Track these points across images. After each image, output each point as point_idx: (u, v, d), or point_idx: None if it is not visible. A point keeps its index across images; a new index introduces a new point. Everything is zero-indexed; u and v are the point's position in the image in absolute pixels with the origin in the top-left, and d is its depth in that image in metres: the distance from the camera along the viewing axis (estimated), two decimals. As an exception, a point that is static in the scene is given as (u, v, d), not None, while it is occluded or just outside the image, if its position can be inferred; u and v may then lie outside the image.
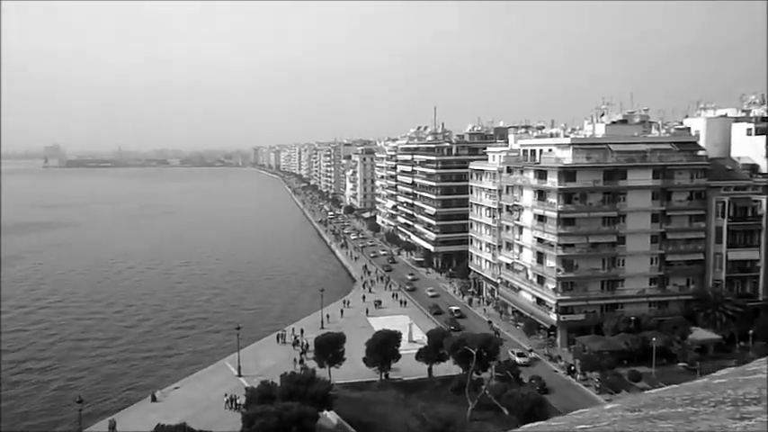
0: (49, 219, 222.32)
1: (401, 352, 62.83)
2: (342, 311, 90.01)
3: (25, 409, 60.44)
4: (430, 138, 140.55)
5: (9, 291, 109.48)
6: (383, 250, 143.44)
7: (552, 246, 74.67)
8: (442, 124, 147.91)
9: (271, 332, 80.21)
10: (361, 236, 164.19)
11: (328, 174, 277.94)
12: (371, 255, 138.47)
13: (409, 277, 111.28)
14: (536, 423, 3.55)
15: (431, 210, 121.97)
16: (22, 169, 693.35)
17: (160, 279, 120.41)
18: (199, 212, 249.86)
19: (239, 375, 63.66)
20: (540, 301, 77.96)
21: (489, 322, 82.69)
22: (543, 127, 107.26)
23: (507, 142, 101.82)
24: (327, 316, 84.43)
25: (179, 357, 75.43)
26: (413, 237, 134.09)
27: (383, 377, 62.21)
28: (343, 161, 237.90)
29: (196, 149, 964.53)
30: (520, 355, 68.13)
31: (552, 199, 74.94)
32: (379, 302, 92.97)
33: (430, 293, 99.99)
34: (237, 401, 53.69)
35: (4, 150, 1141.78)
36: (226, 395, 56.47)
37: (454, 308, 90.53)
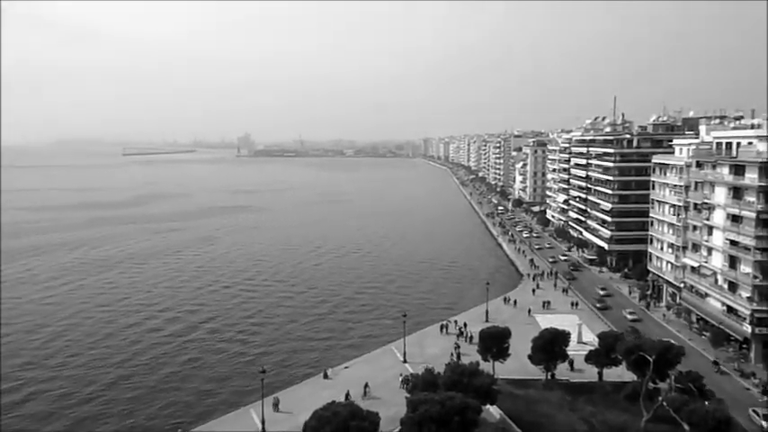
0: (241, 203, 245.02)
1: (569, 352, 60.39)
2: (507, 305, 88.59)
3: (216, 374, 67.21)
4: (608, 129, 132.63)
5: (207, 267, 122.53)
6: (551, 245, 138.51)
7: (748, 249, 66.93)
8: (622, 115, 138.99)
9: (435, 322, 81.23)
10: (529, 230, 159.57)
11: (497, 166, 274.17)
12: (536, 247, 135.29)
13: (601, 292, 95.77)
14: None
15: (606, 205, 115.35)
16: (219, 158, 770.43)
17: (338, 264, 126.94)
18: (371, 201, 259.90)
19: (404, 361, 65.35)
20: (730, 310, 70.43)
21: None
22: (741, 117, 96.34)
23: (697, 134, 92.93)
24: (487, 311, 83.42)
25: (349, 339, 79.19)
26: (585, 233, 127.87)
27: (549, 376, 60.24)
28: (514, 153, 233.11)
29: (369, 140, 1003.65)
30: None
31: (751, 197, 67.13)
32: (548, 303, 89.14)
33: (602, 293, 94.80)
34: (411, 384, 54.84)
35: (203, 140, 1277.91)
36: (401, 375, 58.20)
37: (628, 310, 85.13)
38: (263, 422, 50.38)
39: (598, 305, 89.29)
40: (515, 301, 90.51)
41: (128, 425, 54.72)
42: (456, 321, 78.56)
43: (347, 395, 54.74)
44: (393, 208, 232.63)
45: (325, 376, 61.80)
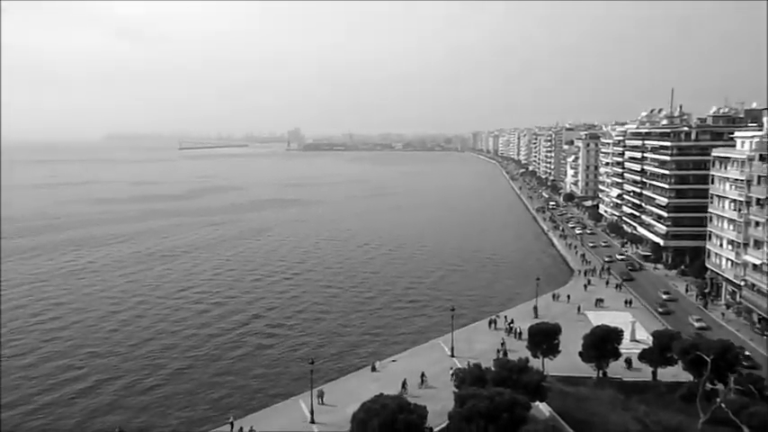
0: (291, 197, 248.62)
1: (622, 350, 59.10)
2: (557, 302, 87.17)
3: (268, 365, 68.50)
4: (665, 122, 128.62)
5: (259, 260, 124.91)
6: (604, 241, 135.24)
7: (815, 247, 63.86)
8: (680, 107, 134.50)
9: (483, 317, 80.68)
10: (582, 226, 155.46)
11: (548, 159, 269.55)
12: (590, 244, 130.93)
13: (664, 296, 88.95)
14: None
15: (662, 200, 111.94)
16: (269, 152, 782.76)
17: (387, 258, 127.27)
18: (420, 195, 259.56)
19: (452, 356, 65.16)
20: (795, 310, 67.42)
21: None
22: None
23: (762, 126, 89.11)
24: (536, 307, 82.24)
25: (398, 333, 79.44)
26: (639, 228, 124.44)
27: (600, 374, 59.04)
28: (565, 146, 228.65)
29: (418, 134, 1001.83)
30: None
31: (818, 192, 63.97)
32: (601, 300, 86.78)
33: (665, 296, 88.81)
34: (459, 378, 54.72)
35: (255, 135, 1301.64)
36: (452, 369, 58.25)
37: (695, 317, 79.21)
38: (311, 413, 51.13)
39: (660, 309, 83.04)
40: (568, 296, 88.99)
41: (185, 415, 56.16)
42: (506, 317, 77.80)
43: (404, 383, 55.73)
44: (441, 202, 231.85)
45: (373, 369, 62.20)
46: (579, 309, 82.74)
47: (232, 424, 49.36)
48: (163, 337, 76.73)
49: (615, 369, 59.80)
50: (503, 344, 66.93)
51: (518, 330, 71.39)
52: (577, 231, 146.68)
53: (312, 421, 50.54)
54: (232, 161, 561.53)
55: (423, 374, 58.39)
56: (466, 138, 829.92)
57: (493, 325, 75.93)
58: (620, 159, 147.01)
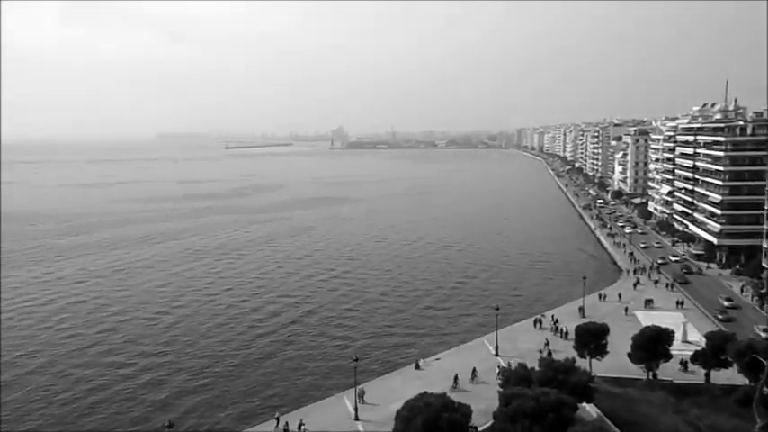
0: (335, 195, 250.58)
1: (673, 352, 57.47)
2: (605, 301, 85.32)
3: (313, 362, 69.15)
4: (718, 116, 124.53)
5: (304, 257, 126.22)
6: (657, 242, 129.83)
7: None
8: (735, 100, 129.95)
9: (528, 316, 79.64)
10: (632, 225, 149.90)
11: (595, 156, 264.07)
12: (642, 245, 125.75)
13: (725, 303, 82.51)
14: None
15: (715, 197, 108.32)
16: (313, 150, 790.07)
17: (431, 256, 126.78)
18: (463, 192, 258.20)
19: (496, 355, 64.54)
20: None
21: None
22: None
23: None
24: (583, 306, 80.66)
25: (441, 331, 79.11)
26: (691, 226, 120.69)
27: (650, 376, 57.53)
28: (613, 143, 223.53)
29: (461, 132, 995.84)
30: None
31: None
32: (650, 301, 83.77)
33: (726, 303, 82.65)
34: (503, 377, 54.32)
35: (299, 133, 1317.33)
36: (498, 367, 57.91)
37: (762, 327, 72.04)
38: (355, 409, 51.42)
39: (720, 316, 77.51)
40: (619, 295, 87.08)
41: (233, 411, 57.09)
42: (553, 315, 76.61)
43: (456, 378, 56.30)
44: (485, 200, 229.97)
45: (417, 367, 62.11)
46: (627, 309, 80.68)
47: (278, 419, 50.06)
48: (211, 333, 78.19)
49: (666, 371, 58.15)
50: (546, 344, 65.87)
51: (564, 330, 70.23)
52: (627, 231, 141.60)
53: (356, 418, 50.80)
54: (276, 160, 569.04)
55: (474, 370, 58.59)
56: (510, 135, 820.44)
57: (538, 324, 74.85)
58: (670, 155, 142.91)
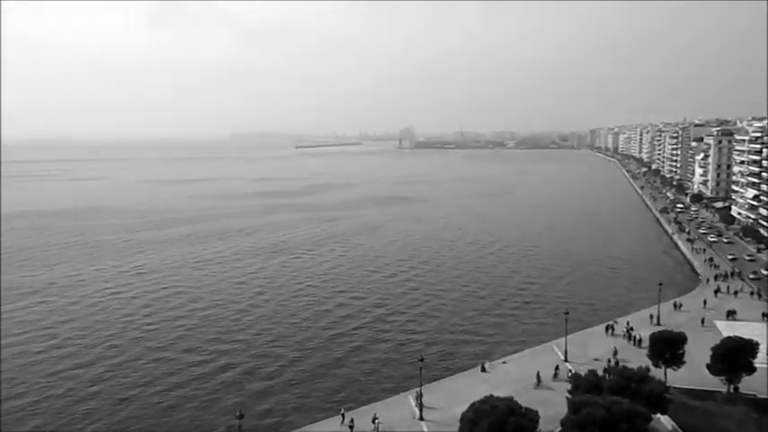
0: (403, 194, 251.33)
1: (756, 365, 54.29)
2: (681, 310, 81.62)
3: (379, 360, 69.61)
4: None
5: (372, 256, 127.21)
6: (748, 255, 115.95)
7: None
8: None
9: (600, 322, 77.26)
10: (716, 233, 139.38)
11: (673, 157, 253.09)
12: (730, 257, 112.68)
13: None
14: None
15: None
16: (381, 150, 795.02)
17: (500, 258, 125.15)
18: (533, 194, 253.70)
19: (565, 360, 62.99)
20: None
21: None
22: None
23: None
24: (658, 314, 77.44)
25: (509, 334, 77.89)
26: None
27: (731, 389, 54.64)
28: (693, 144, 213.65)
29: (532, 131, 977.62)
30: None
31: None
32: (733, 312, 78.61)
33: None
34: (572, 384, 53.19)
35: (368, 133, 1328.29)
36: (570, 372, 56.81)
37: None
38: (420, 409, 51.40)
39: None
40: (704, 302, 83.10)
41: (299, 404, 58.27)
42: (628, 322, 74.02)
43: (538, 375, 57.00)
44: (556, 202, 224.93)
45: (483, 370, 61.45)
46: (704, 319, 76.51)
47: (343, 415, 50.70)
48: (283, 330, 79.63)
49: (749, 384, 55.06)
50: (615, 353, 63.62)
51: (638, 338, 67.76)
52: (711, 238, 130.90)
53: (420, 418, 50.78)
54: (345, 159, 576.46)
55: (557, 367, 58.74)
56: (583, 135, 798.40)
57: (610, 330, 72.49)
58: (757, 158, 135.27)
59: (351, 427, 49.19)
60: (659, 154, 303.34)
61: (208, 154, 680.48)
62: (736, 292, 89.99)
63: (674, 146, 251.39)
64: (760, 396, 54.17)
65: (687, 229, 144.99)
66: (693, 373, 55.84)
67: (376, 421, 49.16)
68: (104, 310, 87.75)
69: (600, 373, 48.40)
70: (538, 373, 58.40)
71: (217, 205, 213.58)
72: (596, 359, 62.17)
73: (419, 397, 52.81)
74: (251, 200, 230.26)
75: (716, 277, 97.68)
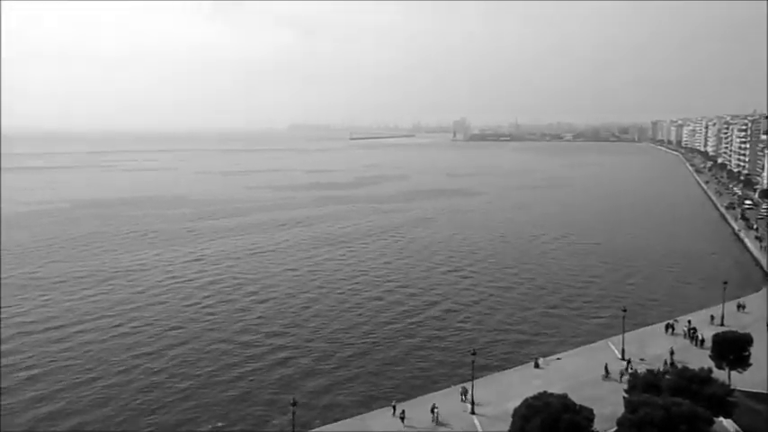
0: (456, 186, 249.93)
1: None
2: (745, 310, 78.31)
3: (432, 353, 69.63)
4: None
5: (427, 248, 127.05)
6: None
7: None
8: None
9: (659, 320, 74.98)
10: None
11: (741, 151, 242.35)
12: None
13: None
14: None
15: None
16: (434, 142, 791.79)
17: (559, 253, 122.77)
18: (591, 187, 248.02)
19: (622, 359, 61.45)
20: None
21: None
22: None
23: None
24: (723, 314, 74.50)
25: (564, 329, 76.54)
26: None
27: (800, 395, 52.22)
28: (763, 137, 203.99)
29: (590, 123, 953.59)
30: None
31: None
32: None
33: None
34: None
35: (422, 125, 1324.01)
36: (631, 369, 55.82)
37: None
38: (472, 403, 51.22)
39: None
40: (759, 306, 79.56)
41: (354, 396, 58.79)
42: (690, 321, 71.53)
43: (606, 367, 56.89)
44: (616, 196, 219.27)
45: (536, 365, 60.69)
46: (773, 319, 73.49)
47: (395, 407, 51.01)
48: (336, 319, 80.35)
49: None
50: (672, 353, 61.60)
51: (700, 338, 65.48)
52: None
53: (472, 412, 50.63)
54: (398, 151, 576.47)
55: (629, 360, 58.50)
56: (644, 127, 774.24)
57: (670, 330, 70.22)
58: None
59: (402, 418, 49.51)
60: (726, 147, 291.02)
61: (265, 146, 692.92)
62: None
63: (743, 139, 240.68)
64: (832, 402, 51.59)
65: (755, 226, 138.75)
66: (760, 376, 53.57)
67: (435, 411, 49.36)
68: (167, 298, 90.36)
69: (659, 370, 47.09)
70: (606, 365, 57.81)
71: (272, 196, 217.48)
72: (654, 358, 60.50)
73: (464, 393, 52.78)
74: (305, 191, 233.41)
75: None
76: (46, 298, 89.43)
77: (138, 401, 57.23)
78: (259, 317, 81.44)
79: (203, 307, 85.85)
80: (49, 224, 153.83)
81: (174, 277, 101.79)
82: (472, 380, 52.65)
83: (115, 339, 72.91)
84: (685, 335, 68.13)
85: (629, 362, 59.52)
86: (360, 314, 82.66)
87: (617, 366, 58.51)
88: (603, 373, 57.09)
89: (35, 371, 63.57)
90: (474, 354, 53.52)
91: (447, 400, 53.50)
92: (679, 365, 52.08)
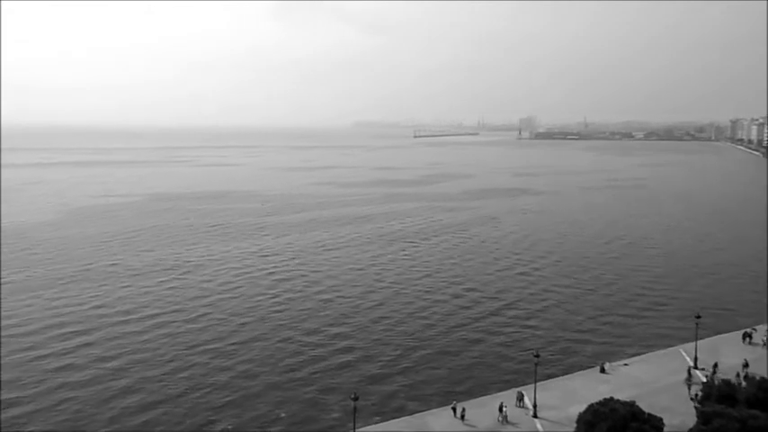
0: (522, 186, 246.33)
1: None
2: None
3: (491, 354, 68.92)
4: None
5: (492, 248, 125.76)
6: None
7: None
8: None
9: (736, 328, 71.52)
10: None
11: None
12: None
13: None
14: None
15: None
16: (499, 140, 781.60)
17: (626, 256, 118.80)
18: (661, 187, 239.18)
19: (695, 367, 58.95)
20: None
21: None
22: None
23: None
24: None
25: (632, 335, 73.99)
26: None
27: None
28: None
29: (664, 122, 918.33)
30: None
31: None
32: None
33: None
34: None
35: (487, 123, 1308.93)
36: (706, 377, 54.18)
37: None
38: (534, 406, 50.40)
39: None
40: None
41: (412, 389, 59.05)
42: (768, 331, 67.97)
43: (689, 370, 55.90)
44: (691, 198, 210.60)
45: (602, 371, 59.05)
46: None
47: (455, 408, 50.79)
48: (401, 319, 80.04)
49: None
50: (745, 365, 58.40)
51: (780, 348, 62.08)
52: None
53: (535, 415, 49.82)
54: (462, 149, 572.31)
55: (715, 365, 57.22)
56: (722, 126, 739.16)
57: (748, 339, 66.86)
58: None
59: (462, 417, 49.30)
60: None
61: (331, 143, 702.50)
62: None
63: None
64: None
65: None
66: None
67: (504, 409, 49.04)
68: (233, 289, 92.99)
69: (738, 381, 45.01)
70: (689, 368, 56.35)
71: (337, 192, 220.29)
72: (728, 368, 57.69)
73: (520, 398, 52.02)
74: (369, 188, 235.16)
75: None
76: (125, 285, 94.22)
77: (201, 384, 59.24)
78: (321, 311, 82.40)
79: (266, 298, 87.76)
80: (131, 217, 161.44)
81: (243, 273, 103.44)
82: (535, 383, 51.77)
83: (183, 336, 74.32)
84: (764, 345, 64.77)
85: (704, 370, 57.28)
86: (421, 311, 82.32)
87: (685, 377, 56.26)
88: (686, 376, 55.06)
89: (116, 362, 66.79)
90: (537, 356, 52.60)
91: (509, 401, 52.73)
92: (757, 377, 49.56)
